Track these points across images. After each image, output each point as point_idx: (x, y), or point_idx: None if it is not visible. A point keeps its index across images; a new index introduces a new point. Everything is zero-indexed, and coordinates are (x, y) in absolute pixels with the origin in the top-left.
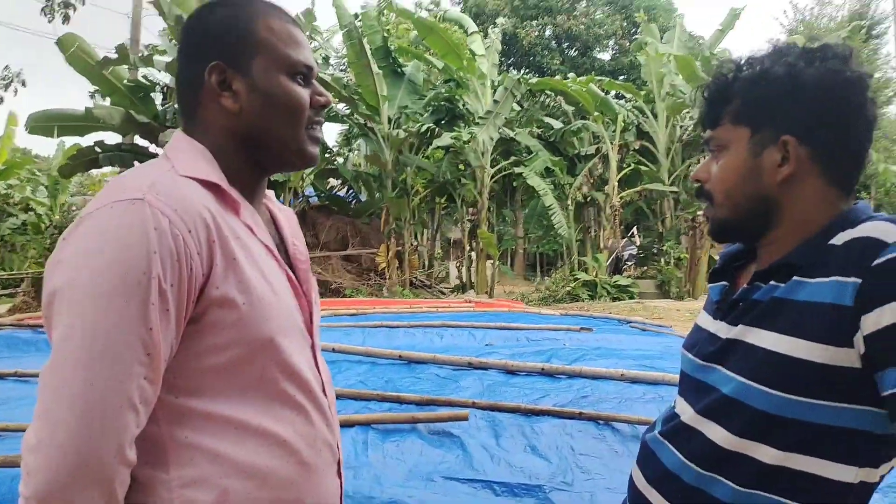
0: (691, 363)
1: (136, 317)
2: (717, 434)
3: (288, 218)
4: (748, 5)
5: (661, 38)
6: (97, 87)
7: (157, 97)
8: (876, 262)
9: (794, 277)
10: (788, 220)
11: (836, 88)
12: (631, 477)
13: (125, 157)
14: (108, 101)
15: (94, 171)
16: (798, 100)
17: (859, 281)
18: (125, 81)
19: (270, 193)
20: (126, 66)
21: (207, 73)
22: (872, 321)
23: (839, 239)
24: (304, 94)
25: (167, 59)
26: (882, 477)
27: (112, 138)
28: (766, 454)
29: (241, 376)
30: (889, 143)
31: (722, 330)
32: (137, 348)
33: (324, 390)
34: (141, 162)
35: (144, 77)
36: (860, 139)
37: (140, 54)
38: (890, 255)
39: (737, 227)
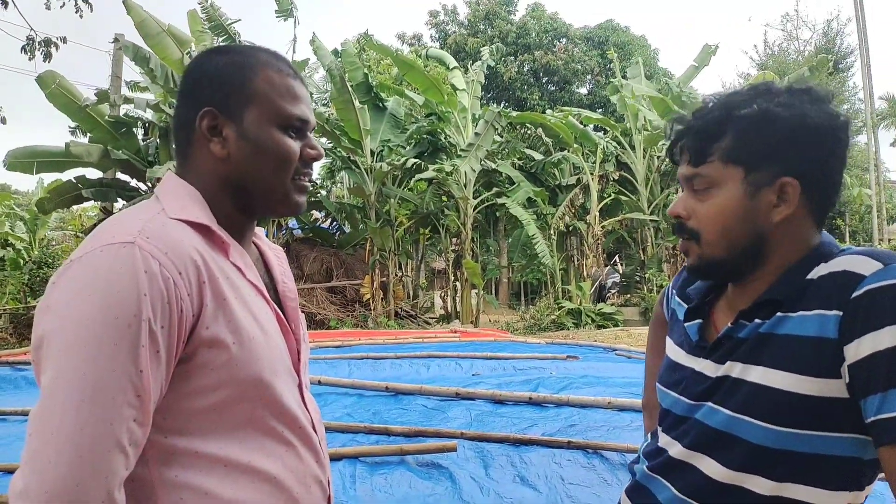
0: (678, 402)
1: (127, 360)
2: (711, 468)
3: (277, 256)
4: (723, 42)
5: (625, 74)
6: (78, 124)
7: (139, 132)
8: (854, 294)
9: (778, 313)
10: (777, 257)
11: (835, 131)
12: None
13: (107, 192)
14: (87, 138)
15: (74, 207)
16: (800, 143)
17: (840, 313)
18: (106, 118)
19: (260, 231)
20: (107, 104)
21: (199, 118)
22: (853, 351)
23: (815, 273)
24: (293, 146)
25: (149, 95)
26: (866, 497)
27: (93, 173)
28: (761, 486)
29: (230, 415)
30: (861, 171)
31: (709, 368)
32: (128, 391)
33: (314, 427)
34: (123, 197)
35: (126, 114)
36: (841, 177)
37: (120, 93)
38: (867, 287)
39: (728, 266)
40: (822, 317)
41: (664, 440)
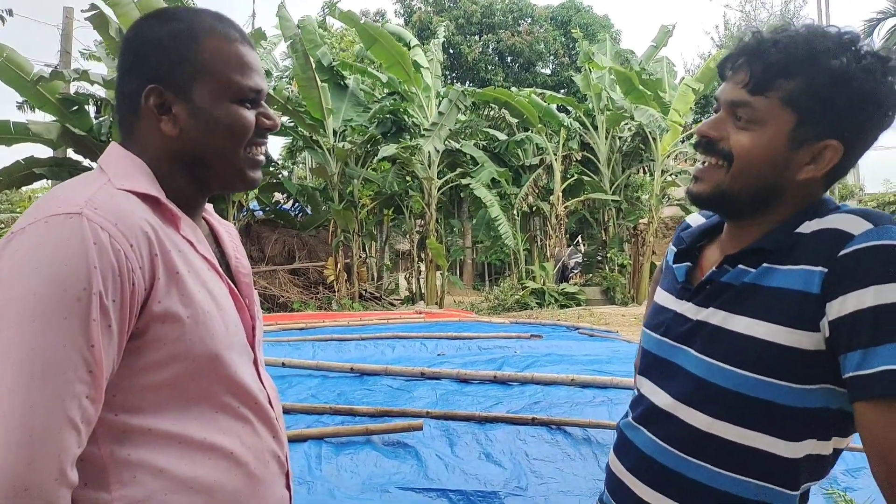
0: (658, 343)
1: (77, 334)
2: (691, 416)
3: (229, 231)
4: (680, 21)
5: (590, 53)
6: (26, 99)
7: (91, 109)
8: (842, 252)
9: (764, 264)
10: (779, 212)
11: (890, 111)
12: (608, 465)
13: (60, 171)
14: (38, 113)
15: (23, 188)
16: (864, 114)
17: (826, 270)
18: (57, 94)
19: (209, 207)
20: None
21: (145, 96)
22: (836, 308)
23: (806, 227)
24: (249, 117)
25: (102, 69)
26: (835, 450)
27: (41, 152)
28: (732, 433)
29: (184, 391)
30: None
31: (690, 311)
32: (79, 366)
33: (270, 403)
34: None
35: (77, 91)
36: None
37: (70, 68)
38: (855, 247)
39: (734, 202)
40: (807, 272)
41: (647, 386)
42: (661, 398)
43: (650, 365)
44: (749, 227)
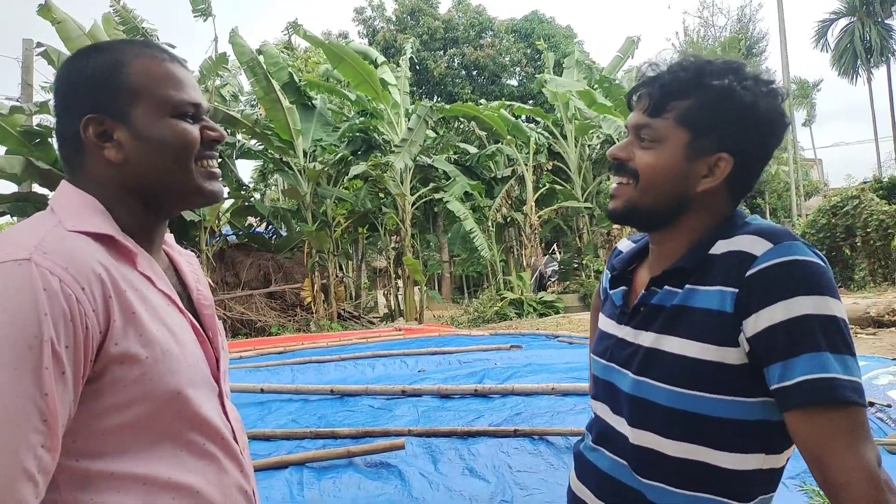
0: (605, 368)
1: (30, 384)
2: (640, 437)
3: (189, 262)
4: (642, 30)
5: (562, 63)
6: None
7: (55, 142)
8: (748, 273)
9: (687, 285)
10: (688, 222)
11: (777, 126)
12: (570, 489)
13: (25, 207)
14: (0, 148)
15: None
16: (749, 127)
17: (736, 290)
18: (19, 128)
19: (170, 238)
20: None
21: (83, 127)
22: (752, 325)
23: (718, 248)
24: (192, 130)
25: None
26: (787, 459)
27: (5, 187)
28: (684, 450)
29: (146, 432)
30: (780, 150)
31: (629, 335)
32: (33, 416)
33: (235, 437)
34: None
35: (39, 123)
36: (763, 167)
37: (32, 101)
38: (759, 267)
39: (648, 215)
40: (721, 292)
41: (600, 409)
42: (613, 420)
43: (600, 389)
44: (667, 245)
